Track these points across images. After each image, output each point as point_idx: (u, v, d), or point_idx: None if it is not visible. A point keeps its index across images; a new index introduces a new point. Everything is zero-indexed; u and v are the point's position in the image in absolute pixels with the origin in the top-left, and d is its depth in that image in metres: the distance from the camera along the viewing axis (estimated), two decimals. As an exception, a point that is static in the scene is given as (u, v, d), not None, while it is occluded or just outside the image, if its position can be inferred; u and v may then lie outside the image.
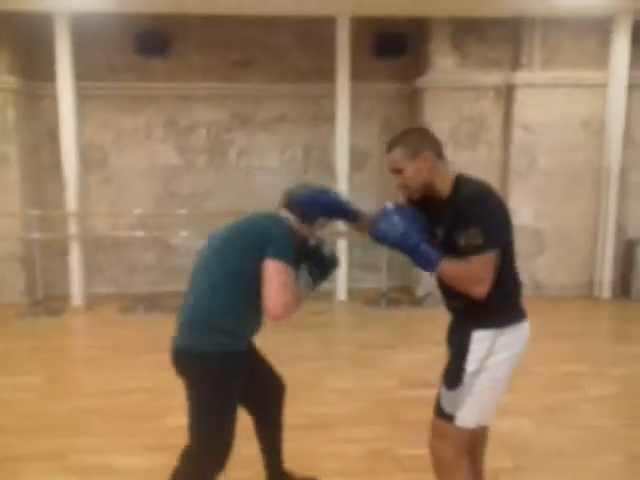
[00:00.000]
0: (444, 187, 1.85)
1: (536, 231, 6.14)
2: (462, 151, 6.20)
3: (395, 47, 6.38)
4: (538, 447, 2.95)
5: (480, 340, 1.84)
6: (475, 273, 1.74)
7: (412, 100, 6.48)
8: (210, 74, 6.38)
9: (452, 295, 1.89)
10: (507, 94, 6.17)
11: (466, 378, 1.84)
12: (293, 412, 3.35)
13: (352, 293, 6.21)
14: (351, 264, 6.33)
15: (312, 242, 2.15)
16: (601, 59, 6.05)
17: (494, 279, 1.76)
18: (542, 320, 5.47)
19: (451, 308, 2.00)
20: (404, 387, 3.76)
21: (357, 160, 6.39)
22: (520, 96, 6.08)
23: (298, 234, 2.08)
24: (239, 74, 6.41)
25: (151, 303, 5.87)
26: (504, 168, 6.23)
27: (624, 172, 6.05)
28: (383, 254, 6.05)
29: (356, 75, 6.03)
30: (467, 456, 1.93)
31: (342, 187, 6.01)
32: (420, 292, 6.12)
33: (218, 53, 6.35)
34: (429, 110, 6.15)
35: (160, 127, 6.51)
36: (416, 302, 6.01)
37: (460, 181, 1.85)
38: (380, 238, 1.85)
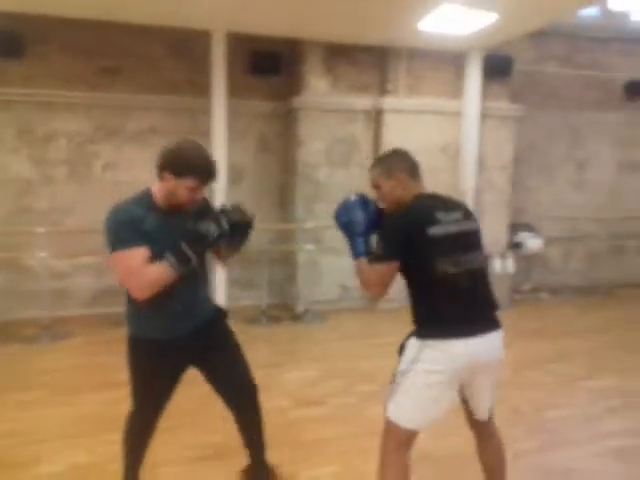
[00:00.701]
0: (408, 202, 2.14)
1: (405, 247, 6.52)
2: (337, 171, 6.40)
3: (270, 66, 6.43)
4: (438, 455, 3.09)
5: (411, 346, 2.09)
6: (370, 277, 2.07)
7: (288, 119, 6.57)
8: (73, 81, 5.88)
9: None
10: (376, 118, 6.51)
11: (397, 376, 2.09)
12: (182, 443, 3.18)
13: (231, 312, 6.02)
14: (229, 282, 6.19)
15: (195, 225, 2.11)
16: (457, 89, 6.62)
17: (416, 293, 2.08)
18: (409, 329, 5.83)
19: None
20: (299, 406, 3.74)
21: (233, 176, 6.29)
22: (388, 120, 6.44)
23: (167, 196, 2.11)
24: (106, 83, 6.00)
25: (2, 333, 5.21)
26: (375, 187, 6.54)
27: (478, 193, 6.67)
28: (262, 271, 6.01)
29: (232, 92, 5.95)
30: (403, 456, 2.08)
31: (219, 203, 5.87)
32: (300, 308, 6.17)
33: (83, 59, 5.88)
34: (304, 130, 6.27)
35: (12, 136, 5.86)
36: (296, 318, 6.05)
37: (412, 199, 2.12)
38: (334, 217, 2.23)
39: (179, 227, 2.09)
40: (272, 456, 3.01)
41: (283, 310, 6.42)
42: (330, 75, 6.38)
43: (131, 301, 2.15)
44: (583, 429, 3.47)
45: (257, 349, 5.08)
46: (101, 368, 4.43)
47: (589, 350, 5.19)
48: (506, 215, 6.96)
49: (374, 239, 2.15)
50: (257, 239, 6.50)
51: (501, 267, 6.60)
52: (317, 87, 6.31)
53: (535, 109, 7.26)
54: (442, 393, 2.03)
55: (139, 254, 2.01)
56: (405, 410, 2.06)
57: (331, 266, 6.39)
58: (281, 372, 4.39)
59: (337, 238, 6.22)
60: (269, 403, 3.70)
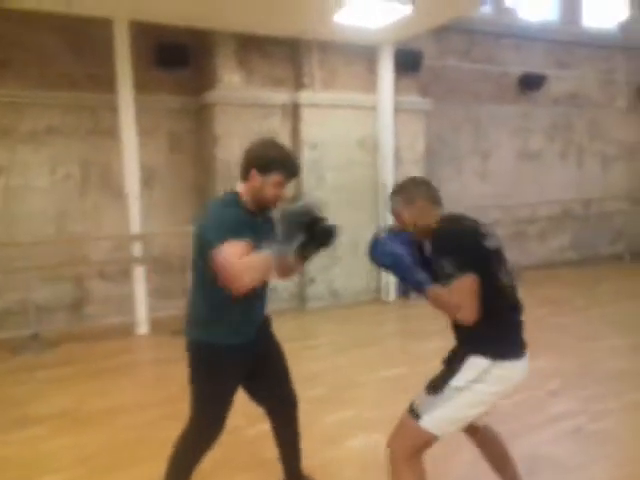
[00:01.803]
0: (433, 227, 2.06)
1: (330, 244, 6.42)
2: (256, 168, 6.14)
3: (177, 58, 6.03)
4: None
5: (474, 364, 1.97)
6: (453, 299, 1.91)
7: (201, 115, 6.20)
8: (-51, 75, 5.15)
9: (455, 324, 2.08)
10: (293, 113, 6.34)
11: (447, 390, 1.98)
12: (136, 477, 2.84)
13: (155, 324, 5.63)
14: (149, 292, 5.73)
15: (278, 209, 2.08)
16: (370, 83, 6.61)
17: (483, 309, 1.92)
18: (345, 328, 5.76)
19: (455, 335, 2.15)
20: (253, 423, 3.48)
21: (145, 178, 5.83)
22: (305, 115, 6.30)
23: (255, 195, 2.10)
24: (-9, 77, 5.31)
25: None
26: (296, 185, 6.36)
27: (397, 186, 6.73)
28: (185, 278, 5.62)
29: (136, 86, 5.50)
30: (420, 461, 2.03)
31: (133, 208, 5.42)
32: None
33: (-40, 50, 5.16)
34: (220, 126, 5.96)
35: None
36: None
37: (441, 221, 2.07)
38: (373, 260, 2.08)
39: (266, 229, 2.13)
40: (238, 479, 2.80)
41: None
42: (243, 69, 6.10)
43: (208, 305, 2.14)
44: (537, 413, 3.55)
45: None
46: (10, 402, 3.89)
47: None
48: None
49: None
50: (175, 244, 6.14)
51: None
52: (230, 81, 6.02)
53: (440, 102, 7.44)
54: (488, 408, 2.05)
55: (240, 244, 1.95)
56: (447, 423, 2.00)
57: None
58: (223, 386, 4.09)
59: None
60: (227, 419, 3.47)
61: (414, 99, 6.93)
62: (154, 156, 6.08)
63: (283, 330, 6.30)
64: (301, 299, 6.49)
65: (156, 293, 5.96)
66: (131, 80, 5.36)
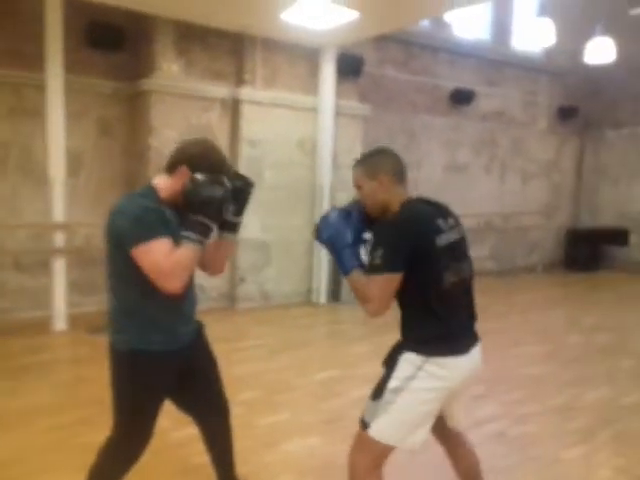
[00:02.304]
0: (395, 210, 1.94)
1: (263, 244, 6.33)
2: (192, 162, 5.94)
3: (111, 40, 5.72)
4: (338, 464, 2.97)
5: (407, 361, 1.90)
6: (368, 290, 1.86)
7: (135, 102, 5.92)
8: None
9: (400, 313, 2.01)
10: (233, 108, 6.20)
11: (387, 394, 1.90)
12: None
13: (73, 320, 5.29)
14: (69, 286, 5.38)
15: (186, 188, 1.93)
16: (310, 85, 6.60)
17: (418, 305, 1.89)
18: (276, 330, 5.68)
19: (399, 325, 2.06)
20: (178, 427, 3.32)
21: (71, 164, 5.47)
22: (245, 112, 6.18)
23: (174, 192, 1.97)
24: None
25: None
26: (232, 181, 6.23)
27: (333, 189, 6.74)
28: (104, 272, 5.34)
29: (65, 66, 5.16)
30: (381, 473, 1.94)
31: (57, 195, 5.08)
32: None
33: None
34: (156, 115, 5.72)
35: None
36: (150, 324, 5.48)
37: (403, 205, 1.94)
38: (316, 233, 2.01)
39: (177, 221, 1.97)
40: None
41: (133, 315, 5.78)
42: (182, 58, 5.90)
43: (132, 309, 1.97)
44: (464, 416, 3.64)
45: (114, 362, 4.51)
46: None
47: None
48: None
49: (364, 249, 1.96)
50: (99, 236, 5.78)
51: (355, 262, 6.77)
52: (169, 70, 5.79)
53: (377, 110, 7.55)
54: (434, 409, 1.94)
55: (164, 245, 1.84)
56: (393, 428, 1.90)
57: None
58: (150, 387, 3.90)
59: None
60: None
61: (354, 104, 6.99)
62: (81, 142, 5.73)
63: (212, 331, 6.17)
64: (230, 299, 6.34)
65: (75, 287, 5.61)
66: (61, 59, 5.03)
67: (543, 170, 10.25)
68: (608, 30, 7.67)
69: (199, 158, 1.96)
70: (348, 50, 6.66)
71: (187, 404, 2.30)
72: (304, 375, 4.31)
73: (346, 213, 2.00)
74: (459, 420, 2.16)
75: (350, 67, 6.80)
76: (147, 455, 2.96)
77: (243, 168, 6.18)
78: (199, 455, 2.96)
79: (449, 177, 8.91)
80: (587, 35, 7.87)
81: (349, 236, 1.95)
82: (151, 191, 1.99)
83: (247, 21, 5.71)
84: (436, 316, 1.88)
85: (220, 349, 5.33)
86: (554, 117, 10.23)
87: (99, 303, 5.73)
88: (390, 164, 2.00)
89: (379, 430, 1.90)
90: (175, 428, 3.31)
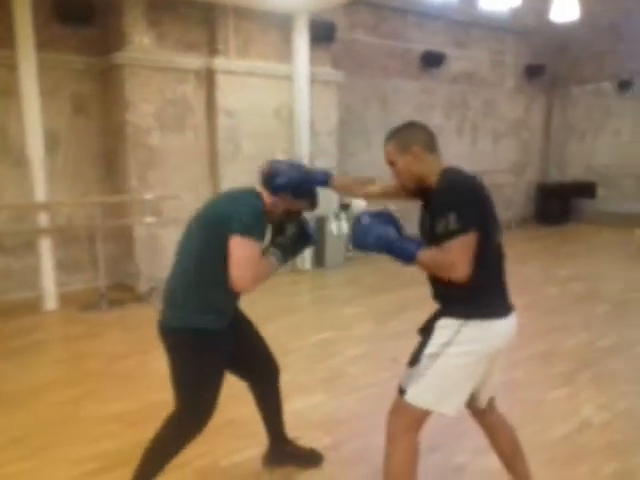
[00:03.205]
0: (433, 179, 1.92)
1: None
2: (170, 135, 5.92)
3: (80, 15, 5.59)
4: (343, 417, 3.14)
5: (444, 327, 1.89)
6: (451, 257, 1.78)
7: (108, 77, 5.82)
8: None
9: (431, 283, 2.01)
10: (208, 79, 6.15)
11: (424, 359, 1.90)
12: (65, 459, 2.72)
13: (63, 299, 5.31)
14: (55, 265, 5.37)
15: (285, 219, 2.25)
16: (284, 53, 6.56)
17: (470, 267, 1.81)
18: (265, 297, 5.77)
19: (433, 296, 2.05)
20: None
21: (47, 143, 5.37)
22: (220, 82, 6.14)
23: (272, 209, 2.19)
24: None
25: None
26: (212, 153, 6.23)
27: (312, 157, 6.79)
28: (93, 250, 5.37)
29: (35, 42, 5.03)
30: (414, 438, 1.94)
31: (37, 174, 5.03)
32: (143, 288, 5.66)
33: None
34: (131, 90, 5.64)
35: None
36: (141, 299, 5.53)
37: (445, 173, 1.91)
38: (357, 244, 1.96)
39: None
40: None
41: (122, 291, 5.82)
42: (154, 30, 5.80)
43: (207, 292, 2.09)
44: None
45: (110, 337, 4.60)
46: None
47: (425, 298, 5.72)
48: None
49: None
50: (81, 215, 5.77)
51: (337, 228, 6.89)
52: (141, 43, 5.70)
53: (350, 75, 7.57)
54: (471, 375, 1.91)
55: (258, 248, 2.06)
56: (429, 393, 1.90)
57: (172, 239, 5.92)
58: (151, 359, 3.96)
59: (178, 207, 5.89)
60: (150, 395, 3.41)
61: (328, 70, 7.00)
62: (56, 120, 5.63)
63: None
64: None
65: (61, 266, 5.60)
66: (32, 36, 4.91)
67: (512, 129, 10.45)
68: (573, -12, 7.78)
69: (300, 191, 2.22)
70: (319, 16, 6.63)
71: (241, 370, 2.44)
72: (299, 339, 4.45)
73: (376, 213, 1.99)
74: (485, 399, 2.10)
75: (322, 33, 6.78)
76: (158, 424, 3.11)
77: (222, 139, 6.19)
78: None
79: None
80: (552, -7, 7.98)
81: (392, 230, 1.92)
82: (260, 199, 2.16)
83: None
84: (480, 277, 1.82)
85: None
86: (521, 76, 10.39)
87: (86, 281, 5.78)
88: (420, 135, 1.97)
89: (415, 395, 1.91)
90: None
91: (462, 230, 1.77)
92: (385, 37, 8.38)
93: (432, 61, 8.85)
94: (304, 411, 3.18)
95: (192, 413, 2.16)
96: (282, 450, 2.62)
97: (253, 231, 2.02)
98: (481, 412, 2.15)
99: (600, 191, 10.33)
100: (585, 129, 10.80)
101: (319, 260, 6.95)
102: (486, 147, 10.02)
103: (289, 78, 6.59)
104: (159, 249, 5.87)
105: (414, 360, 1.95)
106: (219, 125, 6.16)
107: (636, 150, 10.67)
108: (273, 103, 6.55)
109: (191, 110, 6.09)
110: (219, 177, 6.19)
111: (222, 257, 2.01)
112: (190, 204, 6.02)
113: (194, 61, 6.03)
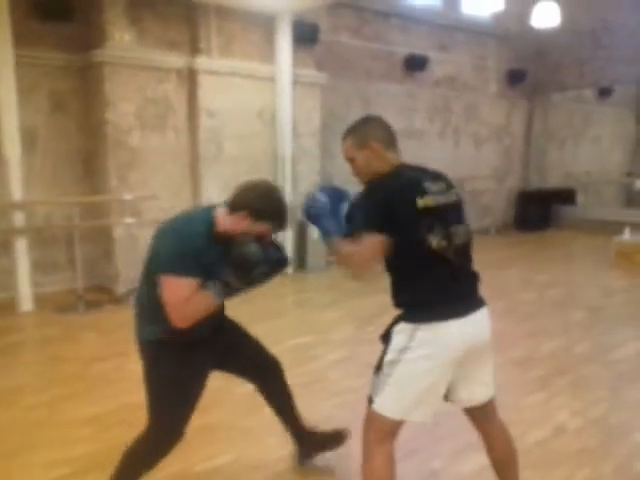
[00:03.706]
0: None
1: (227, 215, 6.32)
2: (151, 135, 5.86)
3: (59, 11, 5.50)
4: (321, 422, 3.10)
5: (399, 332, 1.89)
6: (361, 253, 1.82)
7: (87, 75, 5.74)
8: None
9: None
10: (190, 78, 6.09)
11: (385, 367, 1.89)
12: (38, 463, 2.68)
13: (39, 301, 5.22)
14: (31, 266, 5.27)
15: (240, 241, 1.99)
16: (267, 54, 6.53)
17: (404, 272, 1.87)
18: (245, 302, 5.74)
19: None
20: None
21: (24, 142, 5.28)
22: (202, 81, 6.09)
23: (229, 230, 2.02)
24: None
25: None
26: (193, 154, 6.18)
27: (294, 159, 6.77)
28: (70, 251, 5.28)
29: (12, 39, 4.94)
30: (388, 446, 1.91)
31: (13, 173, 4.95)
32: (121, 289, 5.59)
33: None
34: (111, 88, 5.56)
35: None
36: (119, 301, 5.46)
37: (390, 170, 1.92)
38: (304, 212, 1.99)
39: (220, 255, 2.00)
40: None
41: (100, 293, 5.74)
42: (134, 28, 5.73)
43: (155, 306, 1.99)
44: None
45: (87, 340, 4.53)
46: None
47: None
48: (318, 181, 7.20)
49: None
50: (59, 215, 5.67)
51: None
52: (121, 40, 5.62)
53: (333, 78, 7.55)
54: (436, 380, 1.87)
55: (190, 286, 1.93)
56: (396, 401, 1.87)
57: (151, 240, 5.91)
58: (128, 362, 3.90)
59: (158, 208, 5.83)
60: (129, 396, 3.36)
61: (311, 72, 6.99)
62: (34, 117, 5.54)
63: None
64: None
65: (39, 267, 5.51)
66: (9, 32, 4.82)
67: (494, 134, 10.54)
68: (553, -6, 7.89)
69: (262, 210, 2.01)
70: (303, 17, 6.62)
71: (239, 373, 2.46)
72: (279, 343, 4.37)
73: (330, 188, 2.02)
74: (481, 396, 2.03)
75: (306, 35, 6.76)
76: (133, 428, 3.05)
77: (204, 140, 6.14)
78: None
79: (405, 143, 8.73)
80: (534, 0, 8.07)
81: (328, 205, 1.93)
82: (210, 221, 2.04)
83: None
84: (422, 280, 1.84)
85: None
86: (503, 81, 10.49)
87: (62, 282, 5.69)
88: (379, 130, 1.98)
89: (381, 404, 1.88)
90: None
91: (379, 225, 1.78)
92: (369, 40, 8.40)
93: (415, 64, 8.88)
94: (274, 418, 3.15)
95: (159, 428, 2.12)
96: (310, 443, 2.61)
97: (175, 267, 1.91)
98: (478, 418, 2.09)
99: (580, 198, 10.48)
100: (566, 136, 10.95)
101: (300, 263, 6.93)
102: (468, 152, 10.09)
103: (272, 79, 6.56)
104: (139, 250, 5.80)
105: (377, 367, 1.94)
106: (201, 125, 6.11)
107: (615, 157, 10.85)
108: (256, 104, 6.52)
109: (172, 110, 6.04)
110: (200, 178, 6.14)
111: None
112: (170, 205, 6.09)
113: (176, 60, 5.98)
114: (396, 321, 1.94)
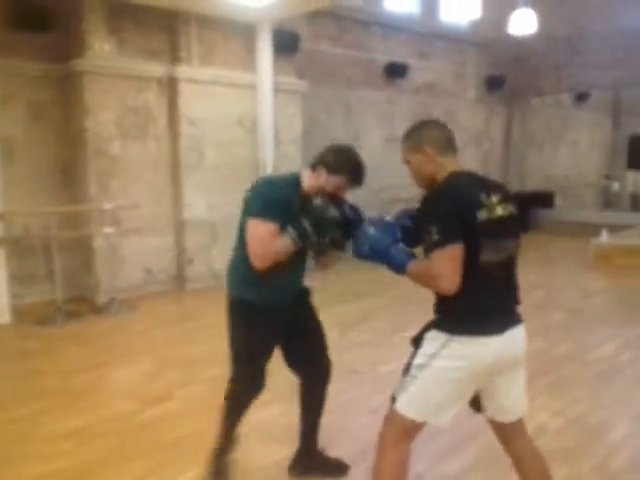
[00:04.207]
0: (442, 179, 1.92)
1: (209, 223, 6.32)
2: (132, 144, 5.84)
3: (37, 21, 5.46)
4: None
5: (431, 339, 1.88)
6: (435, 269, 1.77)
7: (67, 84, 5.70)
8: None
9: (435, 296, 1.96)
10: (170, 87, 6.09)
11: (412, 369, 1.90)
12: (17, 477, 2.65)
13: (17, 313, 5.15)
14: (9, 277, 5.21)
15: (316, 201, 2.19)
16: (248, 62, 6.55)
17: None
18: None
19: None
20: (145, 407, 3.39)
21: (2, 151, 5.23)
22: (183, 90, 6.09)
23: (312, 187, 2.26)
24: None
25: None
26: (174, 162, 6.17)
27: (276, 166, 6.78)
28: (48, 262, 5.23)
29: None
30: (404, 449, 1.93)
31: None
32: (102, 299, 5.54)
33: None
34: (91, 97, 5.54)
35: None
36: (99, 311, 5.41)
37: (447, 177, 1.90)
38: (356, 253, 1.98)
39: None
40: (131, 472, 2.69)
41: (80, 304, 5.66)
42: (114, 37, 5.72)
43: (245, 268, 2.26)
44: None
45: (66, 352, 4.47)
46: None
47: (388, 308, 5.75)
48: (301, 187, 7.21)
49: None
50: (37, 225, 5.61)
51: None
52: (100, 50, 5.61)
53: (314, 85, 7.59)
54: (462, 390, 1.88)
55: (271, 228, 2.17)
56: (419, 404, 1.89)
57: (133, 249, 5.88)
58: (109, 372, 3.91)
59: (139, 217, 5.80)
60: (109, 409, 3.34)
61: (291, 80, 7.02)
62: (11, 127, 5.49)
63: (166, 313, 6.22)
64: (180, 281, 6.33)
65: (17, 278, 5.44)
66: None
67: (473, 139, 10.66)
68: (529, 3, 8.04)
69: (335, 159, 2.25)
70: (283, 26, 6.66)
71: (292, 359, 2.55)
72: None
73: (374, 221, 2.02)
74: (512, 413, 2.00)
75: (286, 43, 6.80)
76: (115, 437, 3.03)
77: (185, 148, 6.13)
78: (168, 433, 3.07)
79: (387, 150, 9.08)
80: (511, 7, 8.22)
81: (386, 237, 1.93)
82: (295, 180, 2.31)
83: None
84: (468, 292, 1.79)
85: (175, 331, 5.39)
86: (482, 87, 10.63)
87: (41, 293, 5.63)
88: (433, 134, 1.96)
89: (403, 404, 1.90)
90: (138, 410, 3.37)
91: (445, 241, 1.74)
92: (349, 48, 8.47)
93: (396, 72, 8.97)
94: (260, 423, 3.14)
95: (237, 373, 2.44)
96: (311, 460, 2.64)
97: (263, 212, 2.18)
98: (506, 438, 2.05)
99: (558, 201, 10.63)
100: (544, 140, 11.12)
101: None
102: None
103: (253, 87, 6.58)
104: (119, 260, 5.78)
105: (406, 369, 1.94)
106: (182, 134, 6.11)
107: (592, 161, 11.04)
108: (237, 112, 6.53)
109: (153, 118, 6.02)
110: (182, 186, 6.13)
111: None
112: (151, 213, 6.07)
113: (156, 69, 5.97)
114: (430, 326, 1.92)
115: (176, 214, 6.21)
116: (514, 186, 11.35)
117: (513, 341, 1.89)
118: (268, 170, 6.66)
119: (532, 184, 11.15)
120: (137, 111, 5.87)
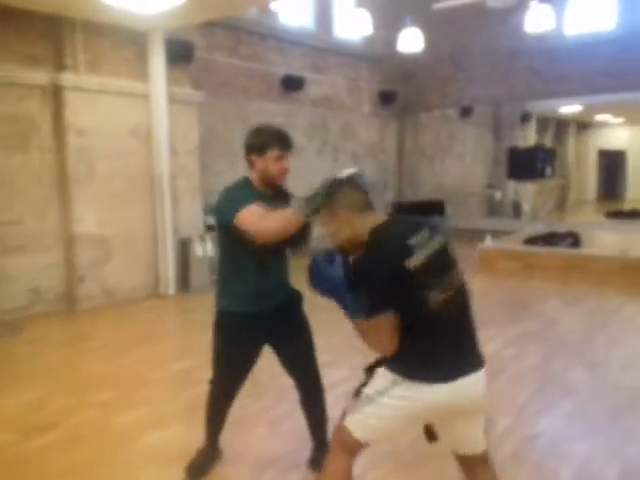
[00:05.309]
0: (365, 239, 1.87)
1: (102, 238, 6.02)
2: (11, 155, 5.45)
3: None
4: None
5: (381, 376, 1.88)
6: (368, 338, 1.83)
7: None
8: None
9: None
10: (55, 95, 5.76)
11: (363, 397, 1.92)
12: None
13: None
14: None
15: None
16: (139, 71, 6.35)
17: (403, 328, 1.78)
18: (124, 326, 5.50)
19: None
20: (30, 436, 3.16)
21: None
22: (69, 99, 5.78)
23: (256, 177, 2.40)
24: None
25: None
26: (61, 174, 5.82)
27: (172, 177, 6.62)
28: None
29: None
30: (348, 465, 1.96)
31: None
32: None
33: None
34: (-37, 105, 5.12)
35: None
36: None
37: (371, 235, 1.86)
38: (313, 287, 1.90)
39: (280, 204, 2.29)
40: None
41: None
42: (-7, 43, 5.33)
43: (224, 278, 2.51)
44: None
45: None
46: None
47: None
48: (199, 199, 7.09)
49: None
50: None
51: (202, 251, 6.76)
52: (-26, 54, 5.20)
53: (211, 96, 7.52)
54: (407, 426, 1.97)
55: (255, 207, 2.23)
56: (364, 428, 1.92)
57: (17, 268, 5.48)
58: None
59: (22, 234, 5.41)
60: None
61: (187, 90, 6.90)
62: None
63: (55, 335, 5.87)
64: (70, 300, 5.95)
65: None
66: None
67: (370, 151, 11.06)
68: (416, 22, 8.52)
69: (255, 142, 2.36)
70: (177, 35, 6.54)
71: (285, 366, 2.66)
72: (159, 368, 4.28)
73: (330, 258, 1.89)
74: (471, 449, 1.99)
75: (180, 52, 6.68)
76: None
77: (73, 160, 5.82)
78: (54, 463, 2.88)
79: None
80: (399, 26, 8.66)
81: (344, 280, 1.83)
82: (245, 179, 2.42)
83: (62, 1, 5.32)
84: (417, 340, 1.80)
85: (64, 354, 5.12)
86: (376, 101, 11.07)
87: None
88: (347, 197, 1.94)
89: (351, 422, 1.93)
90: (21, 440, 3.15)
91: (376, 312, 1.75)
92: (245, 59, 8.48)
93: (292, 84, 9.10)
94: (159, 446, 3.07)
95: (213, 376, 2.64)
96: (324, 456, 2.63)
97: (239, 205, 2.23)
98: (464, 464, 2.05)
99: (449, 209, 11.27)
100: (434, 152, 11.76)
101: (184, 284, 6.75)
102: (346, 168, 10.44)
103: (146, 97, 6.39)
104: (4, 279, 5.35)
105: (355, 393, 1.95)
106: (69, 144, 5.79)
107: (477, 171, 11.83)
108: (129, 122, 6.31)
109: (36, 128, 5.66)
110: (71, 199, 5.79)
111: (228, 244, 2.42)
112: (36, 228, 5.68)
113: (39, 76, 5.63)
114: (383, 361, 1.89)
115: (65, 229, 5.86)
116: (408, 195, 11.91)
117: (467, 389, 1.84)
118: (165, 182, 6.49)
119: (424, 193, 11.75)
120: (17, 120, 5.50)
